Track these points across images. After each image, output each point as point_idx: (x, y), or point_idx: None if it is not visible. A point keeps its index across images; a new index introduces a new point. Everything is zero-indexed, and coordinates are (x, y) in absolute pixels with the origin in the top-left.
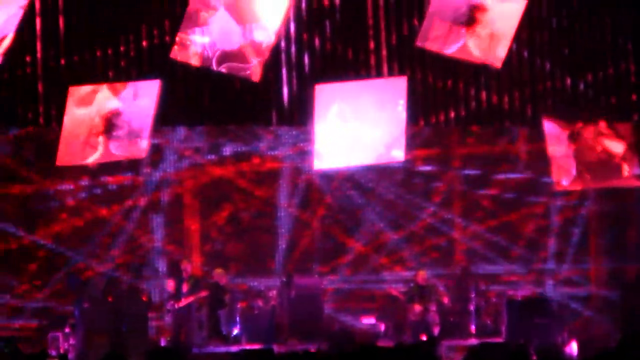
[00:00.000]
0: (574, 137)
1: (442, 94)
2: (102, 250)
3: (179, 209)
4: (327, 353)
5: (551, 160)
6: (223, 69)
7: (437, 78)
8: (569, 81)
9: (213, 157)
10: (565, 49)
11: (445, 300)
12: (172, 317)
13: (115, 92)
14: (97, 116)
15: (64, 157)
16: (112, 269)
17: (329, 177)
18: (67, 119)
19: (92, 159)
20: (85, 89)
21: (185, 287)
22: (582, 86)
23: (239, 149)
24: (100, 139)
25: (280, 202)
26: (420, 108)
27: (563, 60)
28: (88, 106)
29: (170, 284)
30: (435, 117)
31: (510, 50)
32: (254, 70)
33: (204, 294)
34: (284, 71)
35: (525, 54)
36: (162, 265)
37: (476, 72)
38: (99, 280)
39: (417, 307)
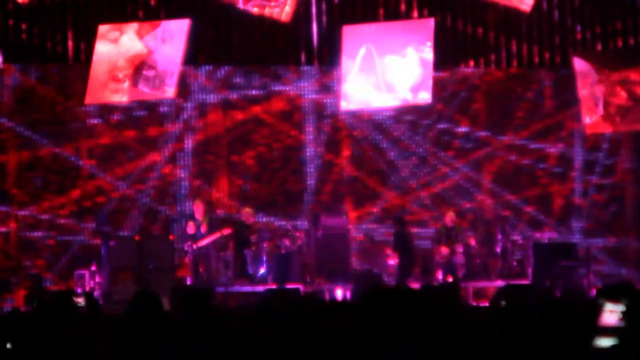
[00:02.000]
0: (603, 79)
1: (471, 40)
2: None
3: (206, 148)
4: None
5: (581, 100)
6: (252, 8)
7: (466, 24)
8: (599, 28)
9: (240, 96)
10: None
11: (472, 242)
12: (192, 258)
13: (141, 35)
14: (124, 57)
15: (93, 95)
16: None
17: (357, 119)
18: (95, 58)
19: (121, 98)
20: (113, 28)
21: (203, 228)
22: (612, 32)
23: (266, 89)
24: (127, 80)
25: (307, 142)
26: (449, 53)
27: (593, 5)
28: (115, 46)
29: (190, 227)
30: (465, 62)
31: None
32: (284, 10)
33: (226, 231)
34: (313, 11)
35: None
36: (188, 206)
37: (506, 17)
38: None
39: (444, 249)
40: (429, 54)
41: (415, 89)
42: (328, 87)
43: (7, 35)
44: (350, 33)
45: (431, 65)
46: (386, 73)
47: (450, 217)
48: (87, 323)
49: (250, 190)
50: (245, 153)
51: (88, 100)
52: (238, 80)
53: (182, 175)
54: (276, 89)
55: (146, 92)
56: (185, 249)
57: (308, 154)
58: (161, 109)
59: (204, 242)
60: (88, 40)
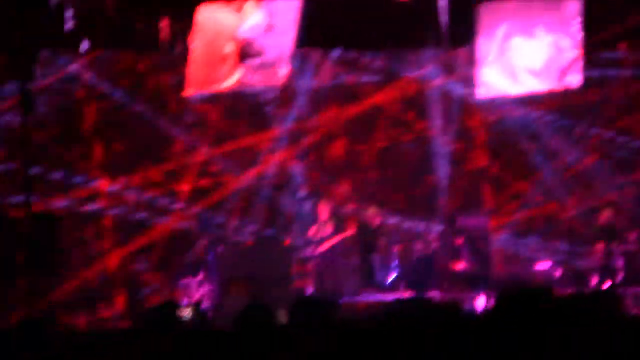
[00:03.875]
0: None
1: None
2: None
3: (322, 141)
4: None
5: None
6: None
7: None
8: None
9: (358, 83)
10: None
11: (628, 241)
12: (315, 264)
13: (246, 16)
14: (229, 41)
15: (194, 84)
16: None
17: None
18: (195, 44)
19: (225, 85)
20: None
21: (328, 230)
22: None
23: (386, 75)
24: (234, 65)
25: (436, 133)
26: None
27: None
28: (220, 29)
29: (313, 230)
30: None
31: None
32: None
33: (348, 233)
34: None
35: None
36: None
37: None
38: None
39: (599, 249)
40: (577, 33)
41: (563, 72)
42: (459, 72)
43: (95, 21)
44: (488, 11)
45: (581, 45)
46: (530, 54)
47: (606, 215)
48: (193, 339)
49: (375, 187)
50: (366, 145)
51: (188, 92)
52: (355, 65)
53: (298, 170)
54: (398, 75)
55: (255, 79)
56: (308, 255)
57: (437, 146)
58: (268, 97)
59: (326, 247)
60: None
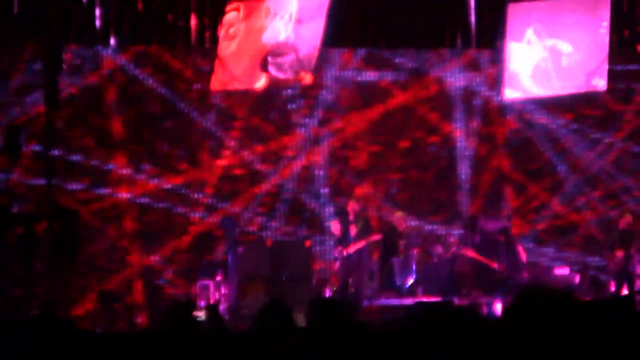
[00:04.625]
0: None
1: None
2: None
3: (346, 140)
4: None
5: None
6: None
7: None
8: None
9: (383, 82)
10: None
11: None
12: (340, 265)
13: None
14: (259, 38)
15: (220, 80)
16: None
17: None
18: (224, 39)
19: (255, 85)
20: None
21: (353, 230)
22: None
23: (412, 74)
24: (263, 63)
25: (459, 135)
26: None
27: None
28: (250, 25)
29: (335, 226)
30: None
31: None
32: None
33: (375, 237)
34: None
35: None
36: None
37: None
38: None
39: (619, 254)
40: (605, 35)
41: (589, 75)
42: (485, 73)
43: (125, 16)
44: (516, 12)
45: (607, 48)
46: (557, 56)
47: (626, 219)
48: (207, 340)
49: (397, 190)
50: (389, 146)
51: (214, 86)
52: (381, 64)
53: (320, 172)
54: (423, 74)
55: (283, 77)
56: (335, 255)
57: (460, 148)
58: (292, 93)
59: (354, 248)
60: (213, 21)
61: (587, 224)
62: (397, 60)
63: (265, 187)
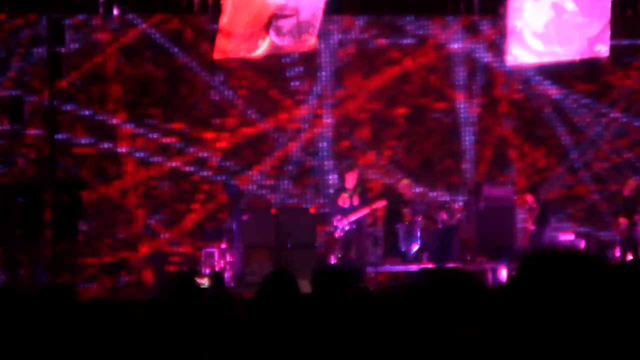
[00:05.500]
0: None
1: None
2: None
3: (347, 108)
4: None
5: None
6: None
7: None
8: None
9: (385, 48)
10: None
11: None
12: (342, 233)
13: None
14: (260, 6)
15: (223, 48)
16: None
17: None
18: (227, 7)
19: (256, 53)
20: None
21: (355, 200)
22: None
23: (413, 41)
24: (265, 30)
25: (462, 101)
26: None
27: None
28: None
29: (343, 199)
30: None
31: None
32: None
33: (379, 204)
34: None
35: None
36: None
37: None
38: None
39: (623, 221)
40: (607, 1)
41: (592, 41)
42: (487, 39)
43: None
44: None
45: (609, 13)
46: (558, 22)
47: (630, 185)
48: (211, 306)
49: (401, 156)
50: (392, 113)
51: (217, 55)
52: (382, 31)
53: (324, 143)
54: (425, 40)
55: (284, 44)
56: (335, 224)
57: (463, 115)
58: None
59: (355, 217)
60: None
61: (589, 198)
62: (399, 26)
63: (268, 159)
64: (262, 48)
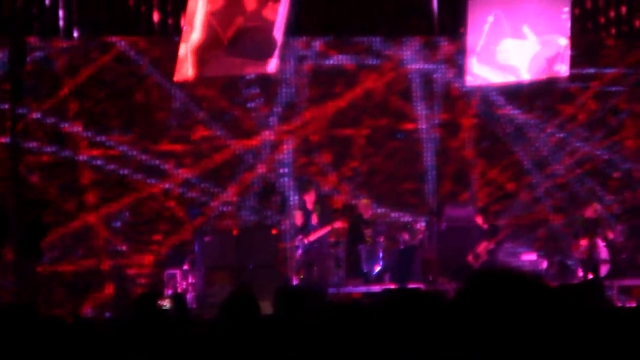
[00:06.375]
0: None
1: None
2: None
3: (308, 128)
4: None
5: None
6: None
7: None
8: None
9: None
10: None
11: (610, 235)
12: (302, 254)
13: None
14: (221, 28)
15: (183, 71)
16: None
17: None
18: (187, 29)
19: (215, 72)
20: None
21: (314, 220)
22: None
23: (373, 61)
24: (224, 53)
25: (423, 122)
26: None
27: None
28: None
29: (298, 217)
30: (606, 30)
31: None
32: None
33: (339, 224)
34: None
35: None
36: (292, 196)
37: None
38: None
39: (583, 243)
40: (566, 21)
41: (551, 61)
42: (447, 60)
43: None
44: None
45: (569, 34)
46: (518, 43)
47: (593, 207)
48: (172, 328)
49: (362, 177)
50: (353, 133)
51: (177, 76)
52: (341, 52)
53: (286, 159)
54: (385, 61)
55: (245, 64)
56: (296, 244)
57: (424, 135)
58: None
59: (315, 236)
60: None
61: (549, 224)
62: (358, 46)
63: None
64: (221, 68)
